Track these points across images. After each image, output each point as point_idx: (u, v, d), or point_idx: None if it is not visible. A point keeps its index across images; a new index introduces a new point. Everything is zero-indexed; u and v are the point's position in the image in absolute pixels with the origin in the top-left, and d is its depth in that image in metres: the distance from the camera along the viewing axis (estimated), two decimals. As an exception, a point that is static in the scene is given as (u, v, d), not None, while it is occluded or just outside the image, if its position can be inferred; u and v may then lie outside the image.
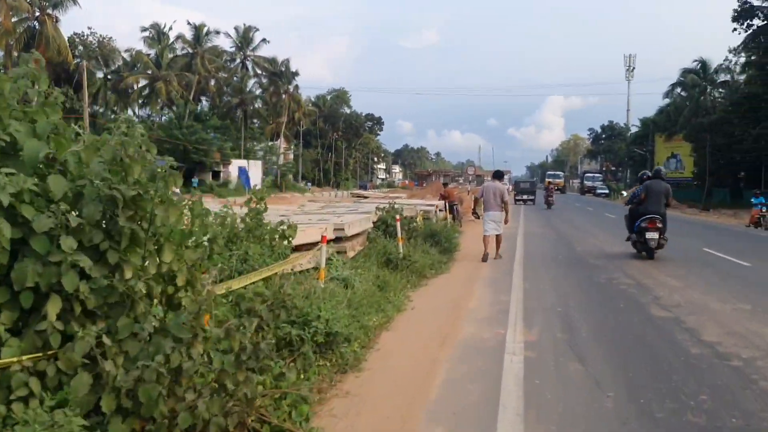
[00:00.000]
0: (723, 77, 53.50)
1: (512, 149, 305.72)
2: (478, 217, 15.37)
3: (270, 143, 70.55)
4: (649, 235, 12.04)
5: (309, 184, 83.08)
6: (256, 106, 67.09)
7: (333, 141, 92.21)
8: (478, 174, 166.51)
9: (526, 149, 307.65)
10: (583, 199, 61.25)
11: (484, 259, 12.39)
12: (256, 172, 57.89)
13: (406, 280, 9.14)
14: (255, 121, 72.84)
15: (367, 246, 10.35)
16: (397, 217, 11.44)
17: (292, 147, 74.70)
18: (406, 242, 11.22)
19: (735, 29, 37.68)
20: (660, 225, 12.05)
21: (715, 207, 43.11)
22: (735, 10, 37.27)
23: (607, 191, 71.53)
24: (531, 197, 43.99)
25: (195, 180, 46.19)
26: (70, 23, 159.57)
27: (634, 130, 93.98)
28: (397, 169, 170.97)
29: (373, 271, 8.63)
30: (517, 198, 43.97)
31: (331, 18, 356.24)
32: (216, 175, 53.50)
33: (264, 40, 66.61)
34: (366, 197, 27.65)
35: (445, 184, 26.19)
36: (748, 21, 37.48)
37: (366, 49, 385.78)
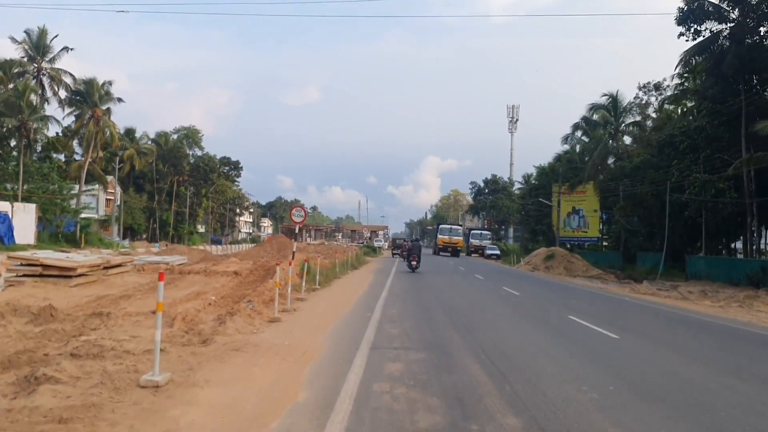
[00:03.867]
0: (632, 118, 44.66)
1: (392, 206, 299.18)
2: None
3: (89, 186, 53.77)
4: (413, 262, 31.21)
5: (139, 237, 66.27)
6: (53, 133, 50.26)
7: (175, 186, 75.54)
8: (353, 229, 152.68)
9: (406, 206, 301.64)
10: (473, 264, 47.67)
11: None
12: (27, 219, 40.82)
13: None
14: (74, 155, 56.41)
15: None
16: None
17: (99, 188, 57.51)
18: None
19: (681, 34, 27.54)
20: (417, 259, 31.52)
21: (647, 276, 32.23)
22: (680, 9, 27.23)
23: (498, 252, 60.40)
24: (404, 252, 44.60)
25: None
26: None
27: (518, 185, 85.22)
28: (267, 222, 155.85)
29: None
30: (394, 252, 55.86)
31: (208, 71, 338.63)
32: (-46, 223, 36.05)
33: (66, 48, 50.59)
34: (45, 268, 12.30)
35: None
36: (696, 26, 27.49)
37: (246, 103, 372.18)
